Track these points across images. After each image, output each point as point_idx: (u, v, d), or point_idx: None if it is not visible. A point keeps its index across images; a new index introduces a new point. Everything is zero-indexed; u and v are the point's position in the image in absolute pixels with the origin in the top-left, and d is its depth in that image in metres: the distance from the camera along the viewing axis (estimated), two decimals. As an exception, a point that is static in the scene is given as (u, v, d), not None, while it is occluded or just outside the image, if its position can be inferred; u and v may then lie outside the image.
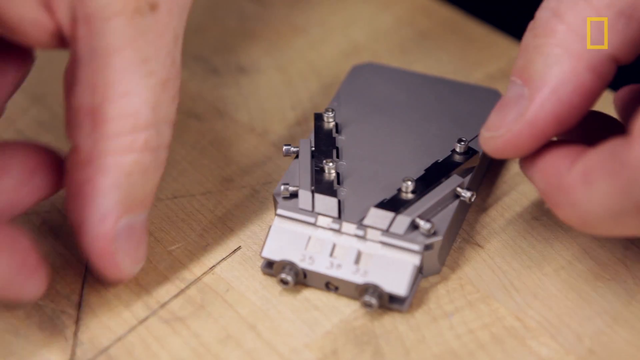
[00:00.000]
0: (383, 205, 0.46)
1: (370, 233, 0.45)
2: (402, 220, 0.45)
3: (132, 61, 0.41)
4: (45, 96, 0.55)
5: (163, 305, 0.46)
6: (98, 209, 0.42)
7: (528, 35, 0.43)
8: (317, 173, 0.47)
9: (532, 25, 0.43)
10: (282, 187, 0.47)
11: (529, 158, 0.43)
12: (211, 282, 0.46)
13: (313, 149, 0.48)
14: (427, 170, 0.47)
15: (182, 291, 0.46)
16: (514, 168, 0.51)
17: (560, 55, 0.42)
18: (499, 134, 0.43)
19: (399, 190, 0.46)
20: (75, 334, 0.45)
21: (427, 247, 0.45)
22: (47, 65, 0.57)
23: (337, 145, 0.49)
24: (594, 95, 0.42)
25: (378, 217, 0.45)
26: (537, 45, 0.42)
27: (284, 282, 0.45)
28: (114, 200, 0.42)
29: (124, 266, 0.44)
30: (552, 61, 0.42)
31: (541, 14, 0.43)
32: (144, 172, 0.43)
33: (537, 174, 0.43)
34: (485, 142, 0.44)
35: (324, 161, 0.47)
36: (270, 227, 0.46)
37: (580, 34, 0.41)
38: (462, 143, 0.48)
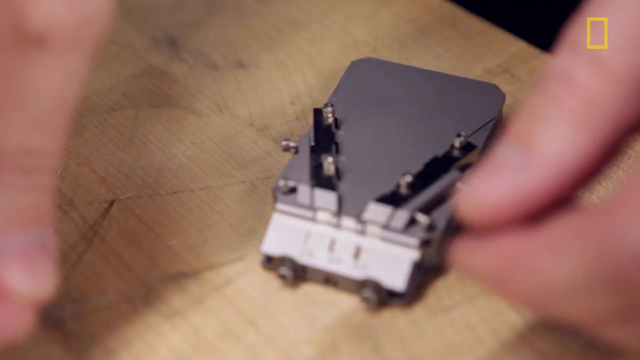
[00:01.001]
0: (382, 200, 0.46)
1: (370, 228, 0.45)
2: (401, 215, 0.45)
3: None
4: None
5: (162, 300, 0.45)
6: None
7: (533, 93, 0.38)
8: (317, 168, 0.47)
9: (540, 82, 0.38)
10: (282, 182, 0.47)
11: (467, 246, 0.39)
12: (210, 277, 0.46)
13: (312, 144, 0.48)
14: (426, 165, 0.47)
15: (181, 286, 0.46)
16: (513, 163, 0.51)
17: (566, 123, 0.37)
18: (482, 199, 0.37)
19: (398, 185, 0.46)
20: (74, 329, 0.45)
21: (427, 242, 0.45)
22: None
23: (336, 140, 0.49)
24: (599, 162, 0.37)
25: (377, 211, 0.45)
26: (541, 108, 0.37)
27: (283, 277, 0.45)
28: None
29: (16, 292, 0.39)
30: (557, 128, 0.37)
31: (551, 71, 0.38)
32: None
33: (483, 255, 0.38)
34: (465, 203, 0.38)
35: (323, 156, 0.47)
36: (269, 222, 0.46)
37: (597, 102, 0.36)
38: (461, 138, 0.48)
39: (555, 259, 0.35)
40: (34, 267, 0.39)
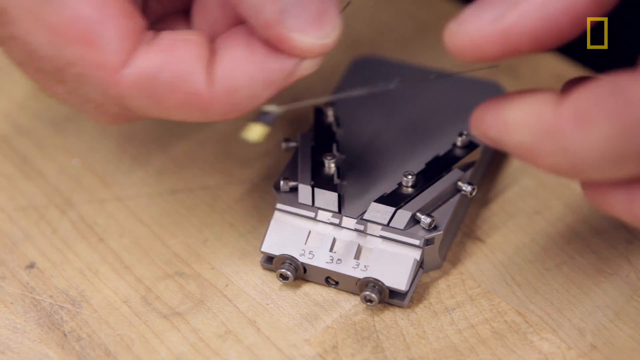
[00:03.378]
0: (383, 199, 0.45)
1: (371, 227, 0.45)
2: (403, 215, 0.45)
3: None
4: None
5: (162, 300, 0.45)
6: None
7: None
8: (317, 167, 0.47)
9: None
10: (282, 182, 0.46)
11: (501, 109, 0.39)
12: (210, 277, 0.46)
13: (313, 143, 0.48)
14: (427, 164, 0.47)
15: (181, 286, 0.46)
16: (516, 162, 0.50)
17: None
18: (467, 30, 0.38)
19: (400, 184, 0.46)
20: (74, 329, 0.44)
21: (428, 242, 0.45)
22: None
23: (337, 139, 0.49)
24: (583, 23, 0.38)
25: (378, 211, 0.45)
26: None
27: (283, 277, 0.45)
28: None
29: (297, 39, 0.40)
30: None
31: None
32: None
33: (513, 122, 0.39)
34: (450, 35, 0.39)
35: (324, 155, 0.47)
36: (269, 221, 0.46)
37: None
38: (463, 137, 0.48)
39: (584, 131, 0.36)
40: (321, 17, 0.40)
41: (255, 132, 0.40)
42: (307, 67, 0.42)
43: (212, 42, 0.42)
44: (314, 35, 0.41)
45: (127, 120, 0.45)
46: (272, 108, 0.41)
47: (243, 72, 0.41)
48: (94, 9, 0.40)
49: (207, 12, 0.44)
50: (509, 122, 0.39)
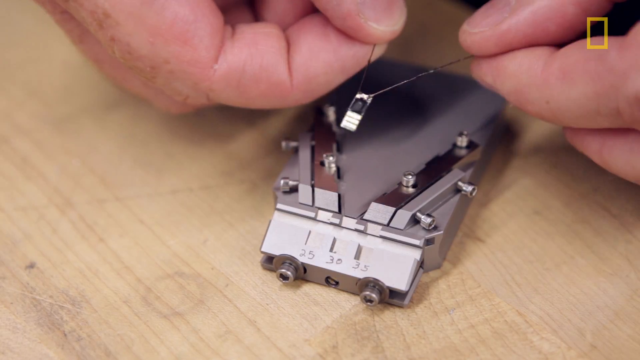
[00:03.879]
0: (383, 199, 0.45)
1: (371, 227, 0.45)
2: (403, 215, 0.45)
3: None
4: (41, 90, 0.55)
5: (162, 300, 0.45)
6: None
7: None
8: (317, 167, 0.47)
9: None
10: (282, 182, 0.46)
11: (497, 59, 0.45)
12: (210, 277, 0.46)
13: (313, 143, 0.48)
14: (428, 164, 0.47)
15: (181, 286, 0.46)
16: (516, 162, 0.50)
17: None
18: (474, 31, 0.45)
19: (400, 184, 0.46)
20: (74, 329, 0.44)
21: (428, 242, 0.45)
22: (44, 60, 0.56)
23: (337, 139, 0.49)
24: (572, 27, 0.43)
25: (379, 211, 0.45)
26: None
27: (283, 277, 0.45)
28: None
29: (372, 28, 0.45)
30: None
31: None
32: None
33: (506, 71, 0.44)
34: (462, 34, 0.45)
35: (324, 155, 0.47)
36: (270, 221, 0.46)
37: None
38: (463, 137, 0.48)
39: (566, 86, 0.42)
40: (391, 7, 0.46)
41: (353, 120, 0.45)
42: (376, 53, 0.46)
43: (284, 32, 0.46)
44: (386, 23, 0.45)
45: (194, 108, 0.49)
46: (363, 96, 0.45)
47: (320, 60, 0.46)
48: (190, 10, 0.43)
49: (274, 4, 0.48)
50: (503, 71, 0.44)
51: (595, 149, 0.44)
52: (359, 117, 0.45)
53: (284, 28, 0.47)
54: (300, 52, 0.45)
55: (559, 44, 0.44)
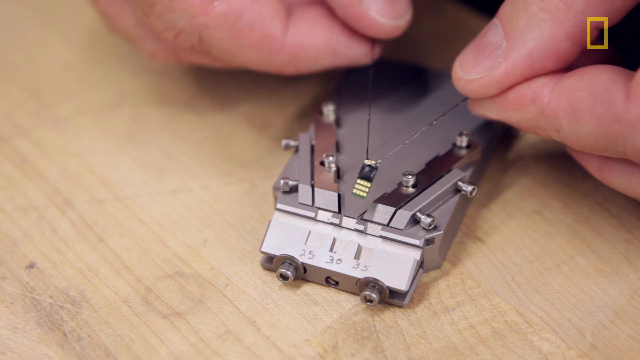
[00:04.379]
0: (383, 199, 0.45)
1: (371, 227, 0.45)
2: (403, 215, 0.45)
3: None
4: (42, 90, 0.55)
5: (162, 300, 0.45)
6: None
7: None
8: (317, 167, 0.47)
9: None
10: (282, 182, 0.46)
11: (499, 97, 0.45)
12: (210, 277, 0.46)
13: (313, 143, 0.48)
14: (427, 164, 0.47)
15: (181, 286, 0.46)
16: (516, 162, 0.50)
17: (544, 19, 0.43)
18: (470, 78, 0.45)
19: (400, 184, 0.46)
20: (74, 329, 0.44)
21: (428, 242, 0.45)
22: (44, 60, 0.56)
23: (337, 139, 0.48)
24: (569, 60, 0.44)
25: (378, 211, 0.45)
26: (527, 2, 0.44)
27: (283, 277, 0.45)
28: None
29: (373, 18, 0.47)
30: (534, 23, 0.43)
31: None
32: None
33: (511, 106, 0.44)
34: (456, 80, 0.45)
35: (324, 155, 0.47)
36: (269, 221, 0.46)
37: (566, 2, 0.43)
38: (463, 137, 0.48)
39: (574, 123, 0.42)
40: (395, 1, 0.47)
41: (363, 188, 0.45)
42: (362, 55, 0.48)
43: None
44: (388, 15, 0.46)
45: (180, 59, 0.50)
46: (371, 162, 0.45)
47: (317, 34, 0.47)
48: None
49: None
50: (508, 106, 0.44)
51: (596, 167, 0.45)
52: (368, 184, 0.45)
53: (292, 3, 0.48)
54: (303, 20, 0.47)
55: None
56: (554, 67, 0.43)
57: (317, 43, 0.47)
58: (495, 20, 0.44)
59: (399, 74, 0.52)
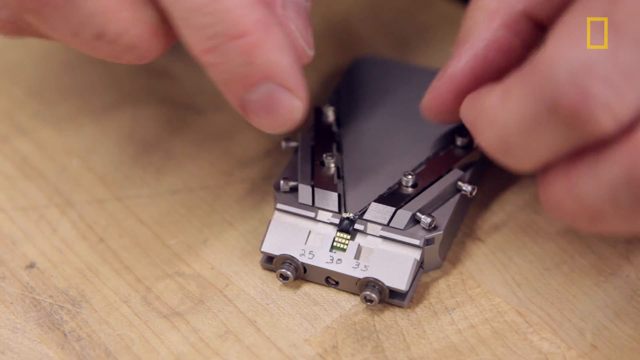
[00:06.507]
0: (383, 199, 0.45)
1: (371, 227, 0.45)
2: (403, 215, 0.45)
3: None
4: (42, 90, 0.55)
5: (162, 300, 0.45)
6: None
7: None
8: (317, 167, 0.47)
9: None
10: (282, 182, 0.46)
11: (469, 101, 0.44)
12: (210, 277, 0.46)
13: (313, 143, 0.48)
14: (428, 164, 0.47)
15: (181, 286, 0.46)
16: (515, 162, 0.50)
17: (481, 16, 0.44)
18: (427, 94, 0.45)
19: (400, 184, 0.46)
20: (74, 329, 0.44)
21: (428, 242, 0.45)
22: (44, 60, 0.56)
23: (337, 139, 0.49)
24: (513, 52, 0.44)
25: (378, 211, 0.45)
26: (469, 11, 0.45)
27: (283, 277, 0.45)
28: None
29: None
30: (473, 22, 0.44)
31: None
32: None
33: (465, 107, 0.44)
34: (422, 106, 0.46)
35: (324, 155, 0.47)
36: (270, 221, 0.46)
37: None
38: (463, 137, 0.48)
39: (504, 104, 0.39)
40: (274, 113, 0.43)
41: (343, 241, 0.45)
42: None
43: None
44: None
45: (24, 31, 0.44)
46: (349, 215, 0.45)
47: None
48: None
49: None
50: (465, 104, 0.44)
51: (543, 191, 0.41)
52: (348, 236, 0.45)
53: None
54: None
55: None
56: (498, 57, 0.44)
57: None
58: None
59: (399, 74, 0.52)
